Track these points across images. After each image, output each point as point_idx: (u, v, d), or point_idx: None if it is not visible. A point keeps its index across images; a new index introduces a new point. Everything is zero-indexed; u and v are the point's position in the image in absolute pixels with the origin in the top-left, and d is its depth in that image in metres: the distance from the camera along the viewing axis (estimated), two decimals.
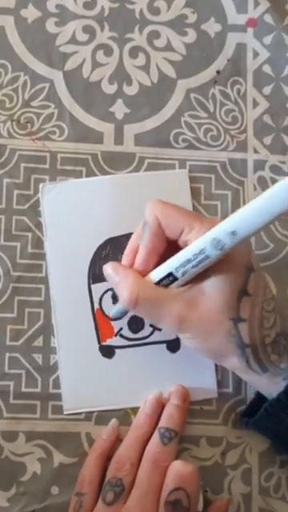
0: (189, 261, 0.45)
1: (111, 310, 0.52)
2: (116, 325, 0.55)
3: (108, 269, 0.51)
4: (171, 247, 0.49)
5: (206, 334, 0.48)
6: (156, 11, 0.60)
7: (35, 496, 0.53)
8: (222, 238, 0.43)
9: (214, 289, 0.47)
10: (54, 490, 0.53)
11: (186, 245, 0.47)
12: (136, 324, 0.55)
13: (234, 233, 0.42)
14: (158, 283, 0.48)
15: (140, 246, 0.50)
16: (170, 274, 0.47)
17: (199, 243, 0.45)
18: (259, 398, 0.53)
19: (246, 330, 0.47)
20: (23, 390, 0.54)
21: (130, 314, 0.53)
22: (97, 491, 0.50)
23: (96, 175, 0.57)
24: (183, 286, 0.48)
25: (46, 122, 0.58)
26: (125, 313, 0.52)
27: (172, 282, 0.47)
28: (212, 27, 0.61)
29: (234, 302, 0.47)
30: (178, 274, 0.47)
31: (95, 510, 0.49)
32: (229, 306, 0.47)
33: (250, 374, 0.50)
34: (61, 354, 0.54)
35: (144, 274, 0.49)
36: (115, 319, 0.54)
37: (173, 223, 0.48)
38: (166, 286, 0.48)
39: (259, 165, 0.59)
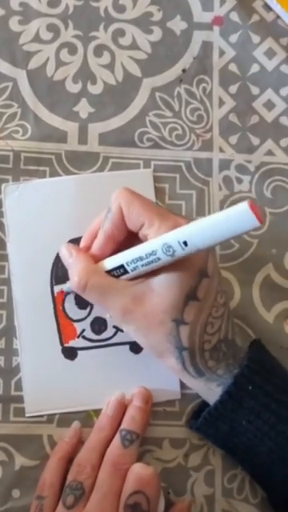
0: (140, 258, 0.46)
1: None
2: (78, 326, 0.55)
3: (63, 249, 0.52)
4: (133, 237, 0.49)
5: (147, 330, 0.48)
6: (121, 9, 0.60)
7: None
8: (173, 245, 0.43)
9: (162, 287, 0.47)
10: (15, 493, 0.53)
11: (145, 239, 0.47)
12: (99, 325, 0.55)
13: (185, 243, 0.42)
14: (109, 272, 0.48)
15: (99, 231, 0.50)
16: (121, 266, 0.48)
17: (152, 244, 0.45)
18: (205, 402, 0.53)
19: (186, 334, 0.47)
20: None
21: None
22: (57, 494, 0.50)
23: (60, 175, 0.57)
24: (134, 279, 0.48)
25: (9, 121, 0.57)
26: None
27: (122, 274, 0.48)
28: (178, 25, 0.60)
29: (180, 304, 0.47)
30: (129, 269, 0.47)
31: None
32: (174, 307, 0.47)
33: (186, 377, 0.50)
34: (23, 355, 0.54)
35: (99, 258, 0.50)
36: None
37: (134, 216, 0.48)
38: (117, 276, 0.48)
39: (225, 164, 0.59)
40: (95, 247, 0.50)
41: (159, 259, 0.44)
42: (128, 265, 0.47)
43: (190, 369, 0.49)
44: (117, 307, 0.48)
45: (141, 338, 0.50)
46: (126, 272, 0.48)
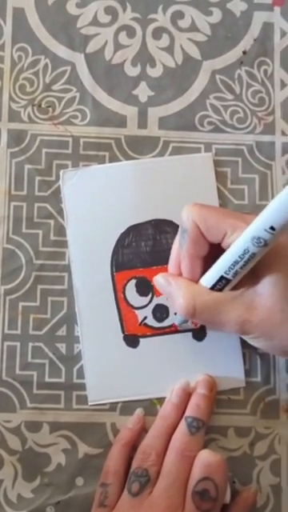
0: (236, 262, 0.47)
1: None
2: (140, 313, 0.57)
3: (160, 279, 0.53)
4: (214, 248, 0.50)
5: (270, 334, 0.49)
6: None
7: (60, 487, 0.55)
8: (261, 235, 0.44)
9: (269, 288, 0.48)
10: (79, 481, 0.55)
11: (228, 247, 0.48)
12: (161, 313, 0.57)
13: (272, 228, 0.43)
14: (212, 288, 0.49)
15: (182, 254, 0.51)
16: (222, 278, 0.48)
17: (240, 244, 0.46)
18: None
19: None
20: (47, 379, 0.56)
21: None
22: (122, 482, 0.52)
23: (120, 160, 0.59)
24: (237, 288, 0.49)
25: (67, 106, 0.60)
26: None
27: (225, 284, 0.49)
28: (238, 6, 0.62)
29: None
30: (230, 276, 0.48)
31: (120, 501, 0.51)
32: None
33: None
34: (84, 343, 0.56)
35: (193, 280, 0.51)
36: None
37: (213, 227, 0.49)
38: (220, 289, 0.49)
39: None
40: (185, 271, 0.51)
41: (254, 254, 0.45)
42: (227, 273, 0.48)
43: None
44: (233, 320, 0.49)
45: (264, 342, 0.50)
46: (228, 281, 0.48)
